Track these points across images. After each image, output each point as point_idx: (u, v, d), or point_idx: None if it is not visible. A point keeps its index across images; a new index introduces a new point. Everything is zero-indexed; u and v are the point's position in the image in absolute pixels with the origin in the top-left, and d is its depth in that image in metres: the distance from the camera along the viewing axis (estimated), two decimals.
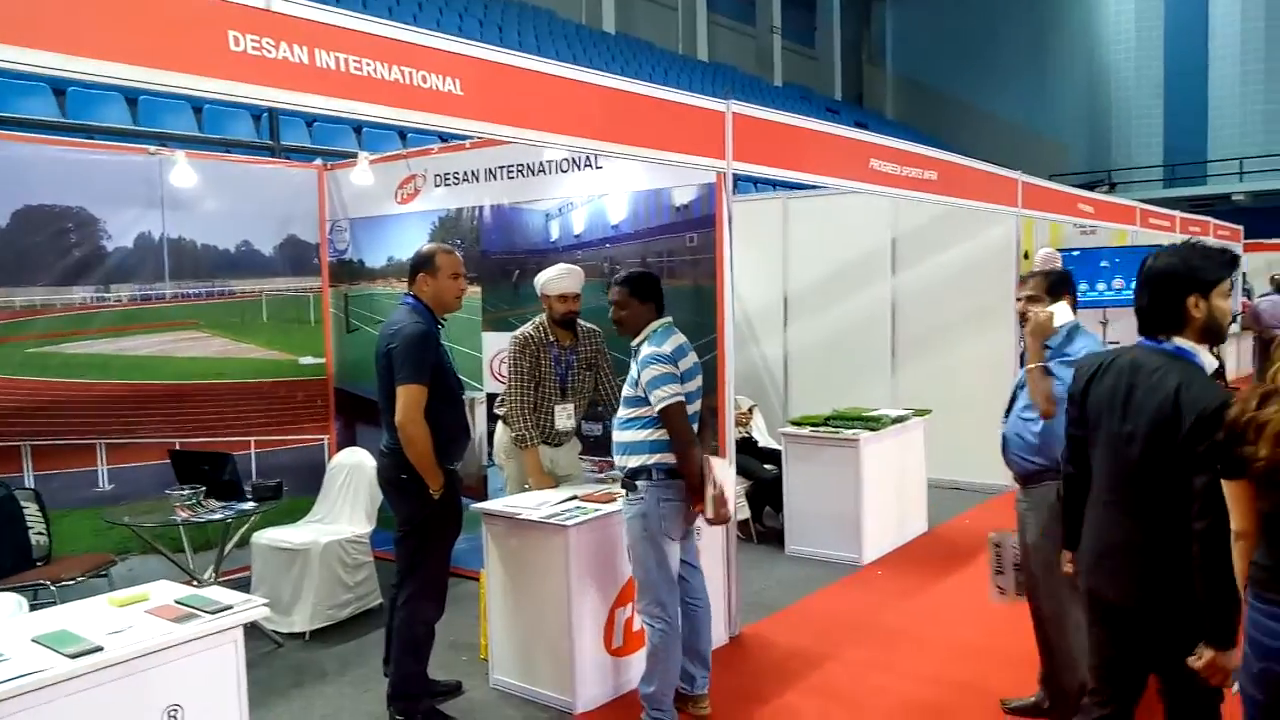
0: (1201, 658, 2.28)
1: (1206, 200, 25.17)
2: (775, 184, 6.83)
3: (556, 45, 18.61)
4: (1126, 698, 2.62)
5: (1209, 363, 2.51)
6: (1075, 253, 10.73)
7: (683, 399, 3.51)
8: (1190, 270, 2.50)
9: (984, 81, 30.98)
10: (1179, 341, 2.49)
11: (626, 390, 3.64)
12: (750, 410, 7.17)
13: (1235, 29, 27.88)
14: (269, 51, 2.74)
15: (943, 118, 30.72)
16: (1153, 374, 2.46)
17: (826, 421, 6.37)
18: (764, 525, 6.67)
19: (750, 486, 6.52)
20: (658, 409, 3.49)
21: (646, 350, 3.56)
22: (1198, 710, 2.43)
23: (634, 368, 3.60)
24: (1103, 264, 10.66)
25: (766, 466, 6.58)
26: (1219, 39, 28.33)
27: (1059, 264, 8.97)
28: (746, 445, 6.73)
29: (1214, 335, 2.53)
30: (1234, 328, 14.42)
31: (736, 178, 4.75)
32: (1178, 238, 12.47)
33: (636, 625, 3.88)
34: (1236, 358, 14.92)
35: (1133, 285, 9.48)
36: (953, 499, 7.42)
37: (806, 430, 6.30)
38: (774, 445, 6.77)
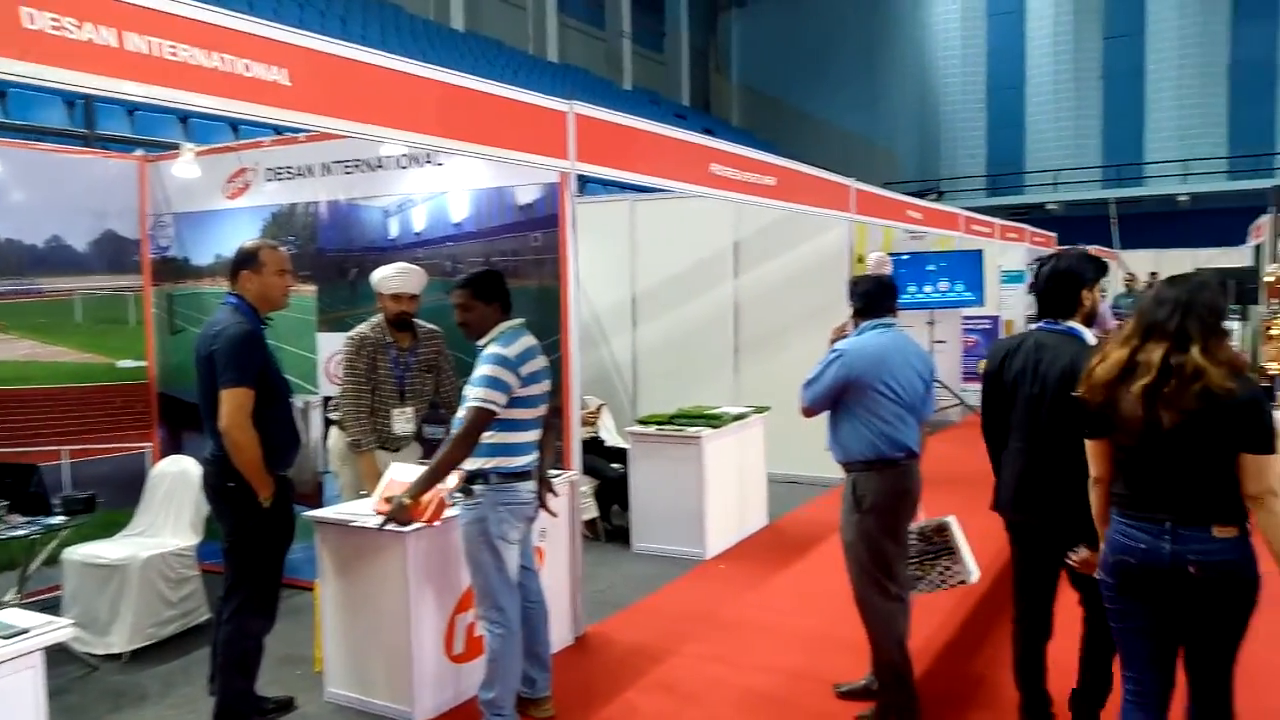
0: (1081, 553, 3.10)
1: (1024, 209, 26.98)
2: (624, 186, 6.93)
3: (403, 41, 18.18)
4: (1042, 604, 3.42)
5: (1092, 340, 3.26)
6: (905, 256, 11.30)
7: (495, 410, 3.42)
8: (1083, 270, 3.33)
9: (823, 92, 32.25)
10: (1071, 324, 3.30)
11: (466, 389, 3.58)
12: (598, 409, 7.21)
13: (1049, 49, 30.08)
14: (71, 31, 2.55)
15: (785, 126, 31.77)
16: (1054, 349, 3.24)
17: (671, 420, 6.47)
18: (611, 524, 6.72)
19: (598, 485, 6.56)
20: (470, 404, 3.41)
21: (492, 348, 3.49)
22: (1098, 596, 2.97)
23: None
24: (929, 268, 11.27)
25: (614, 465, 6.63)
26: (1034, 58, 30.48)
27: (889, 268, 9.44)
28: (594, 444, 6.76)
29: (1092, 319, 3.37)
30: None
31: (585, 179, 4.77)
32: (997, 244, 13.33)
33: (478, 631, 3.83)
34: None
35: (957, 287, 10.01)
36: (791, 492, 7.67)
37: (652, 429, 6.38)
38: (622, 444, 6.83)
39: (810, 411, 3.88)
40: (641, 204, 8.62)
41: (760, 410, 6.99)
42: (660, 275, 8.61)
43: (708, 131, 19.68)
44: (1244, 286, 15.98)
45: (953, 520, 3.94)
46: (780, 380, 8.04)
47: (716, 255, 8.50)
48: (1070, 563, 3.16)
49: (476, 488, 3.52)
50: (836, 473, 7.96)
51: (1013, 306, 14.12)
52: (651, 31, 30.91)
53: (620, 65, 28.58)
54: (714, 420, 6.41)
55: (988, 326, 12.80)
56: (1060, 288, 3.34)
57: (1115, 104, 29.36)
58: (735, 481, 6.56)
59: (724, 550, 6.29)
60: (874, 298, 3.88)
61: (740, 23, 34.99)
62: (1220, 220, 22.17)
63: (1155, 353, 2.64)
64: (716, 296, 8.52)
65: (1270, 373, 9.07)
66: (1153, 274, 19.27)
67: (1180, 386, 2.59)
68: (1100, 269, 3.39)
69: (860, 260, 9.29)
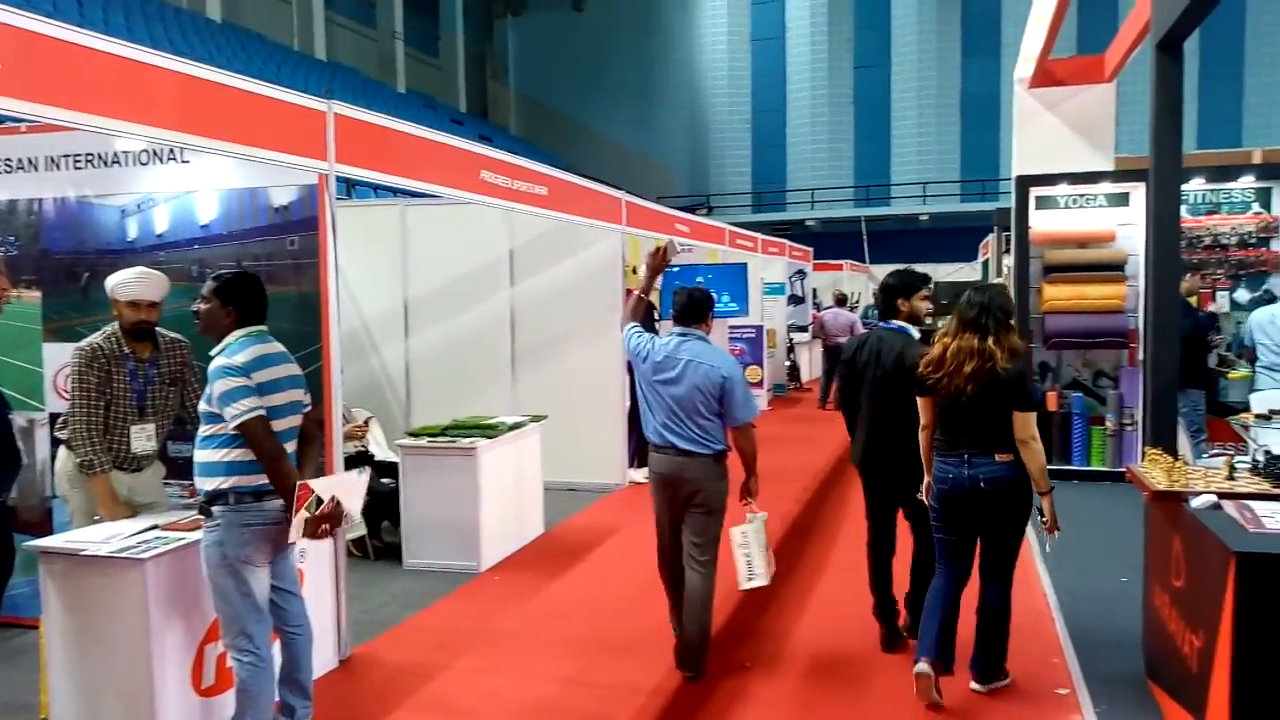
0: (921, 490, 4.22)
1: (787, 224, 28.66)
2: (396, 191, 6.69)
3: (151, 29, 16.82)
4: (887, 530, 4.64)
5: (916, 334, 4.48)
6: (675, 269, 11.68)
7: (263, 412, 3.27)
8: (903, 284, 4.52)
9: (600, 106, 32.88)
10: (900, 323, 4.49)
11: (202, 406, 3.34)
12: (367, 422, 6.94)
13: (806, 76, 32.11)
14: None
15: (563, 137, 32.11)
16: (889, 342, 4.44)
17: (444, 431, 6.34)
18: (382, 541, 6.48)
19: (366, 502, 6.30)
20: (233, 425, 3.23)
21: (217, 361, 3.29)
22: (925, 521, 4.26)
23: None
24: (699, 279, 11.70)
25: (384, 480, 6.40)
26: (794, 84, 32.45)
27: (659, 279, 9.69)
28: (363, 459, 6.51)
29: (916, 320, 4.50)
30: (805, 335, 16.58)
31: (351, 181, 4.57)
32: (760, 257, 14.04)
33: (229, 662, 3.57)
34: (809, 364, 17.12)
35: (724, 298, 10.40)
36: (568, 500, 7.72)
37: (424, 441, 6.23)
38: (393, 458, 6.61)
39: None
40: (413, 209, 8.40)
41: (537, 419, 6.98)
42: (434, 283, 8.42)
43: (485, 139, 19.53)
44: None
45: (736, 530, 4.33)
46: (558, 389, 8.14)
47: (492, 263, 8.42)
48: (920, 497, 4.25)
49: (216, 509, 3.29)
50: (614, 478, 8.13)
51: (774, 316, 14.94)
52: (426, 35, 30.31)
53: (393, 68, 27.81)
54: (489, 430, 6.34)
55: (752, 335, 13.44)
56: (886, 298, 4.57)
57: (865, 129, 31.78)
58: (512, 491, 6.51)
59: (500, 561, 6.22)
60: (683, 309, 4.32)
61: (517, 31, 35.03)
62: (956, 238, 24.46)
63: (966, 341, 3.84)
64: (492, 305, 8.44)
65: None
66: None
67: (979, 365, 3.80)
68: (922, 280, 4.54)
69: (634, 271, 9.52)
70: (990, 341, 3.79)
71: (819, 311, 16.02)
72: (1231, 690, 2.95)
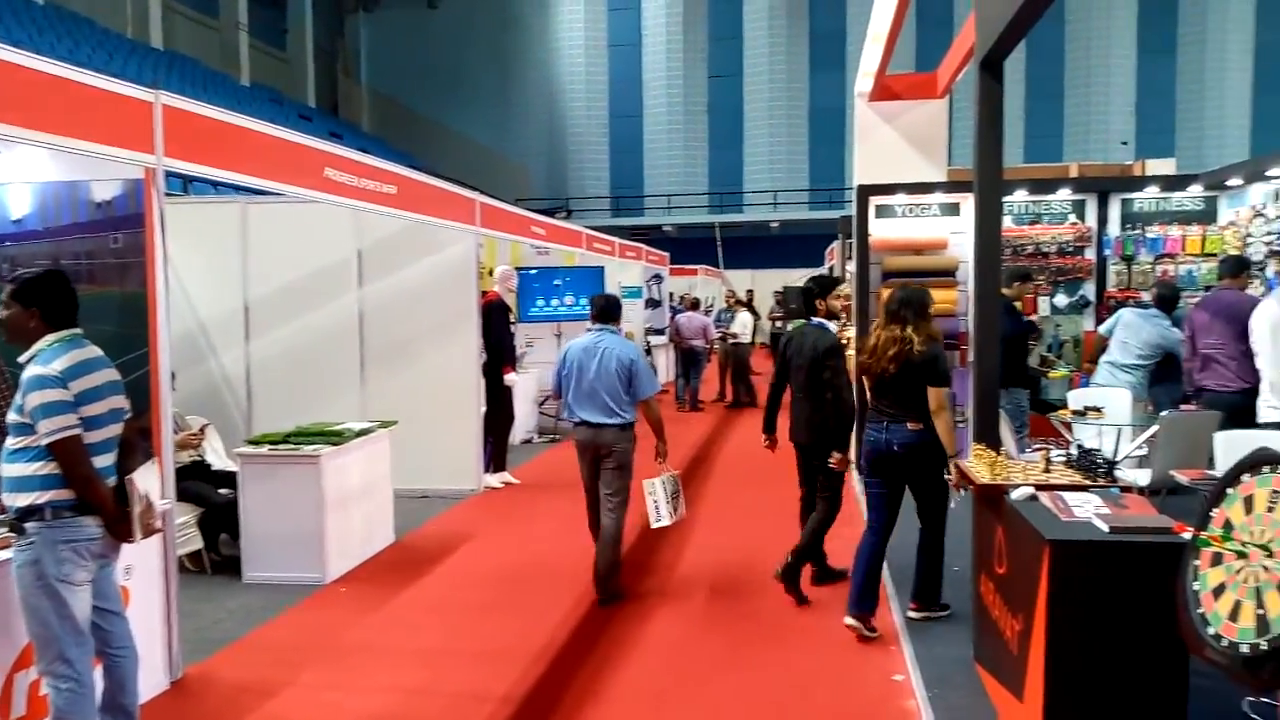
0: (835, 457, 5.14)
1: (645, 229, 29.00)
2: (237, 187, 6.34)
3: None
4: (811, 491, 5.48)
5: (834, 329, 5.48)
6: (533, 271, 11.65)
7: (77, 431, 3.06)
8: (820, 287, 5.57)
9: (457, 105, 32.41)
10: (819, 320, 5.44)
11: (11, 416, 3.09)
12: (203, 430, 6.59)
13: (662, 83, 32.58)
14: None
15: (418, 136, 31.48)
16: (810, 336, 5.34)
17: (287, 439, 6.09)
18: (219, 554, 6.17)
19: (202, 513, 5.99)
20: (45, 442, 3.03)
21: (32, 370, 3.06)
22: (835, 488, 5.34)
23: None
24: (556, 282, 11.71)
25: (222, 491, 6.09)
26: (650, 91, 32.86)
27: (514, 281, 9.64)
28: (198, 469, 6.19)
29: (833, 316, 5.54)
30: (662, 339, 16.79)
31: (188, 177, 4.33)
32: (618, 261, 14.14)
33: (43, 689, 3.32)
34: (666, 366, 17.34)
35: (582, 301, 10.47)
36: (421, 507, 7.56)
37: (264, 449, 5.96)
38: (232, 467, 6.30)
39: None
40: (255, 207, 8.03)
41: (387, 425, 6.80)
42: (277, 283, 8.07)
43: (336, 136, 18.93)
44: None
45: (647, 482, 5.48)
46: (411, 393, 7.94)
47: (339, 264, 8.15)
48: (830, 464, 5.18)
49: (30, 525, 3.05)
50: (469, 484, 8.01)
51: (632, 320, 15.07)
52: (273, 27, 29.13)
53: (237, 59, 26.57)
54: (334, 437, 6.13)
55: None
56: (806, 299, 5.54)
57: (719, 137, 32.52)
58: (359, 500, 6.32)
59: (347, 572, 6.02)
60: (600, 310, 5.60)
61: (369, 27, 34.13)
62: (804, 245, 25.31)
63: (890, 331, 4.66)
64: (340, 307, 8.16)
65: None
66: (749, 291, 21.49)
67: (899, 350, 4.59)
68: (835, 282, 5.70)
69: (489, 273, 9.42)
70: (909, 330, 4.60)
71: (674, 316, 16.28)
72: (1045, 669, 3.15)
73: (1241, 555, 1.98)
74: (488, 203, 8.45)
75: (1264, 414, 5.45)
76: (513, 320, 9.71)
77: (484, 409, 8.36)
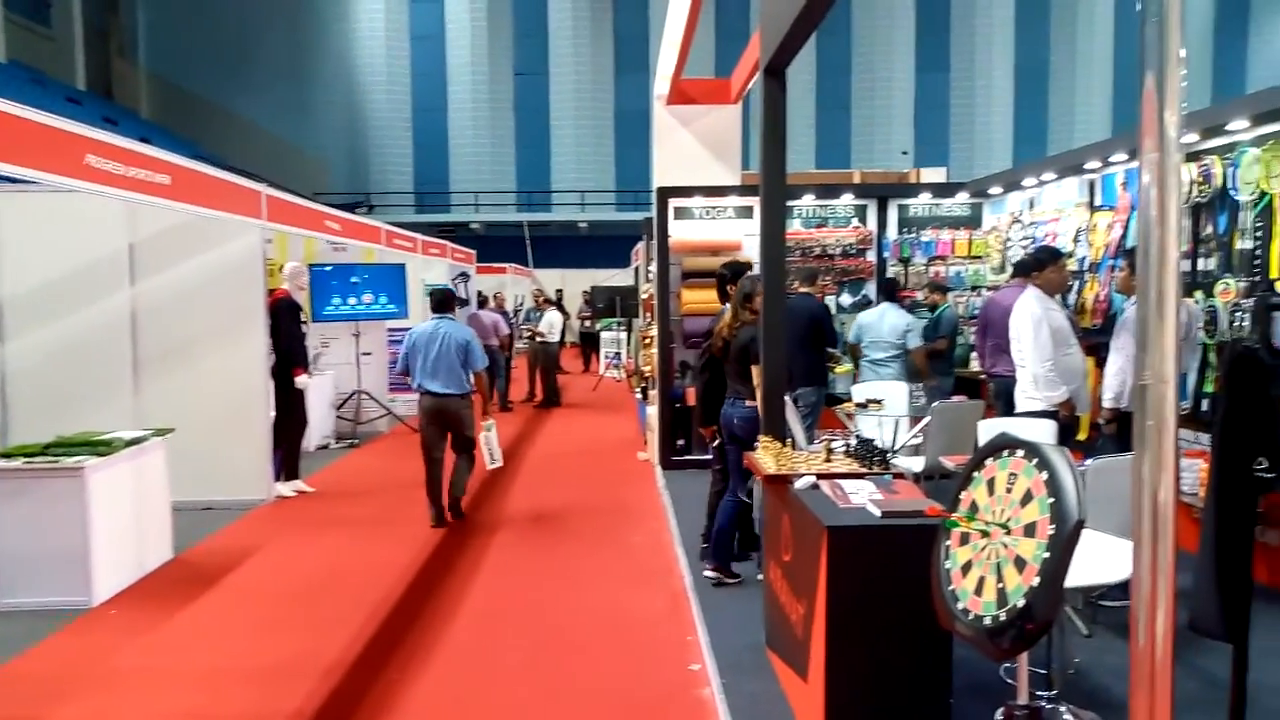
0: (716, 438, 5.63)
1: (451, 226, 28.46)
2: None
3: None
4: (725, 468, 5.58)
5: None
6: (329, 268, 11.18)
7: None
8: (733, 273, 5.69)
9: (248, 92, 30.62)
10: (728, 304, 5.48)
11: None
12: None
13: (468, 77, 32.11)
14: None
15: (206, 124, 29.51)
16: (720, 319, 5.55)
17: (45, 450, 5.55)
18: None
19: None
20: None
21: None
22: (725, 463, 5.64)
23: None
24: (353, 279, 11.28)
25: None
26: (455, 85, 32.30)
27: (305, 278, 9.22)
28: None
29: (758, 314, 5.26)
30: None
31: None
32: (420, 258, 13.80)
33: None
34: None
35: (381, 300, 10.20)
36: (204, 520, 7.09)
37: (18, 463, 5.41)
38: None
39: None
40: (7, 196, 7.28)
41: (162, 433, 6.32)
42: (34, 280, 7.34)
43: (110, 121, 17.45)
44: (627, 302, 18.69)
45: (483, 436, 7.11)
46: (191, 398, 7.42)
47: (107, 259, 7.49)
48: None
49: None
50: (257, 494, 7.65)
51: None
52: (35, 1, 26.49)
53: None
54: (101, 447, 5.64)
55: None
56: (720, 284, 5.84)
57: (526, 135, 32.38)
58: (131, 514, 5.84)
59: (118, 593, 5.56)
60: (439, 303, 7.13)
61: (148, 4, 31.69)
62: (612, 245, 25.62)
63: (727, 315, 5.34)
64: (109, 306, 7.51)
65: (646, 373, 10.70)
66: (559, 290, 21.57)
67: (729, 334, 5.27)
68: (739, 270, 5.70)
69: (279, 270, 8.95)
70: (732, 316, 5.30)
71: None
72: (826, 649, 3.32)
73: (985, 534, 2.14)
74: (275, 195, 8.02)
75: (1021, 403, 5.96)
76: (305, 320, 9.28)
77: (274, 414, 7.94)
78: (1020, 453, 2.14)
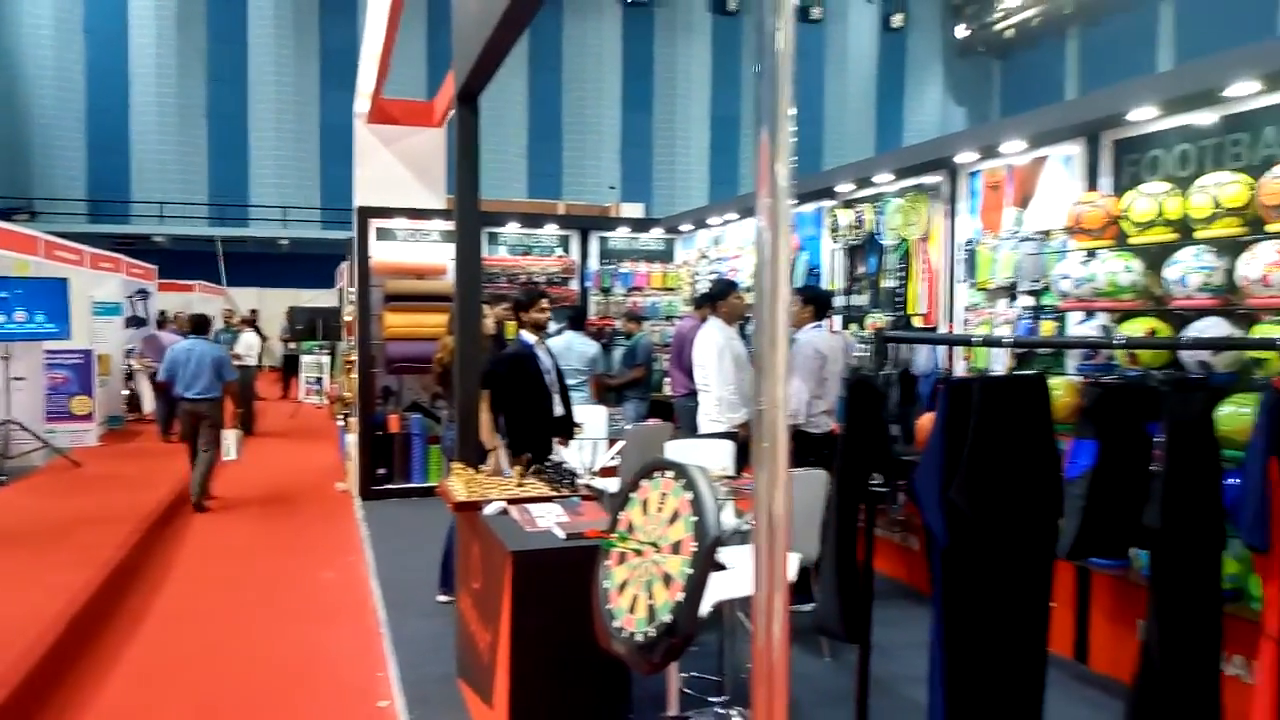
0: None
1: (130, 238, 25.83)
2: None
3: None
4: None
5: (533, 339, 5.49)
6: None
7: None
8: (518, 301, 5.55)
9: None
10: (524, 334, 5.47)
11: None
12: None
13: (153, 79, 29.41)
14: None
15: None
16: (510, 348, 5.62)
17: None
18: None
19: None
20: None
21: None
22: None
23: None
24: (2, 295, 9.94)
25: None
26: (138, 86, 29.48)
27: None
28: None
29: (539, 328, 5.50)
30: (149, 361, 15.07)
31: None
32: (89, 273, 12.44)
33: None
34: (150, 392, 15.58)
35: (37, 318, 9.09)
36: None
37: None
38: None
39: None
40: None
41: None
42: None
43: None
44: (330, 324, 17.91)
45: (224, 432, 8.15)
46: None
47: None
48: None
49: None
50: None
51: (109, 339, 13.34)
52: None
53: None
54: None
55: (79, 361, 11.80)
56: (516, 311, 5.61)
57: (221, 145, 30.11)
58: None
59: None
60: (194, 325, 8.38)
61: None
62: (316, 264, 24.45)
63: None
64: None
65: (348, 400, 10.28)
66: (254, 311, 20.25)
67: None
68: (537, 294, 5.61)
69: None
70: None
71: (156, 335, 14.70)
72: (510, 673, 3.34)
73: (639, 553, 2.26)
74: None
75: (705, 425, 6.35)
76: None
77: None
78: (670, 473, 2.28)
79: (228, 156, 30.10)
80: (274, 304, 23.91)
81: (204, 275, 23.46)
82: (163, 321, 14.15)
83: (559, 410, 5.60)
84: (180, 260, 24.19)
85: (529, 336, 5.53)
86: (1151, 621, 2.41)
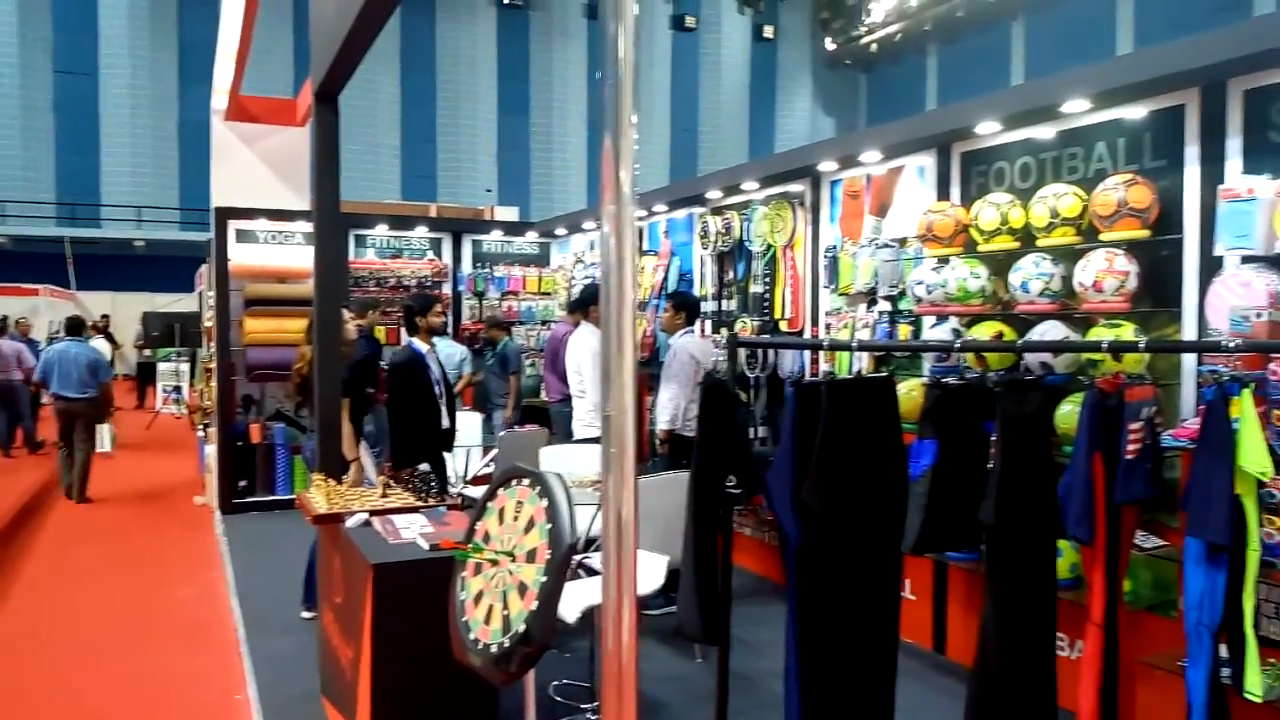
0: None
1: None
2: None
3: None
4: None
5: (425, 347, 5.43)
6: None
7: None
8: (420, 305, 5.43)
9: None
10: (415, 339, 5.44)
11: None
12: None
13: None
14: None
15: None
16: (399, 354, 5.51)
17: None
18: None
19: None
20: None
21: None
22: None
23: None
24: None
25: None
26: None
27: None
28: None
29: (435, 331, 5.53)
30: None
31: None
32: None
33: None
34: None
35: None
36: None
37: None
38: None
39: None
40: None
41: None
42: None
43: None
44: (189, 330, 17.12)
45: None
46: None
47: None
48: None
49: None
50: None
51: None
52: None
53: None
54: None
55: None
56: (407, 317, 5.52)
57: (71, 140, 28.33)
58: None
59: None
60: (71, 329, 9.10)
61: None
62: (174, 267, 23.32)
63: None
64: None
65: (209, 409, 9.83)
66: (105, 316, 19.19)
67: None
68: (425, 304, 5.46)
69: None
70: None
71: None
72: (372, 689, 3.25)
73: (494, 563, 2.23)
74: None
75: (579, 430, 6.35)
76: None
77: None
78: (526, 481, 2.27)
79: (78, 153, 28.36)
80: (128, 308, 22.68)
81: (51, 278, 22.08)
82: (2, 328, 13.20)
83: (445, 422, 5.48)
84: (23, 262, 22.69)
85: (420, 344, 5.40)
86: (988, 610, 2.54)
